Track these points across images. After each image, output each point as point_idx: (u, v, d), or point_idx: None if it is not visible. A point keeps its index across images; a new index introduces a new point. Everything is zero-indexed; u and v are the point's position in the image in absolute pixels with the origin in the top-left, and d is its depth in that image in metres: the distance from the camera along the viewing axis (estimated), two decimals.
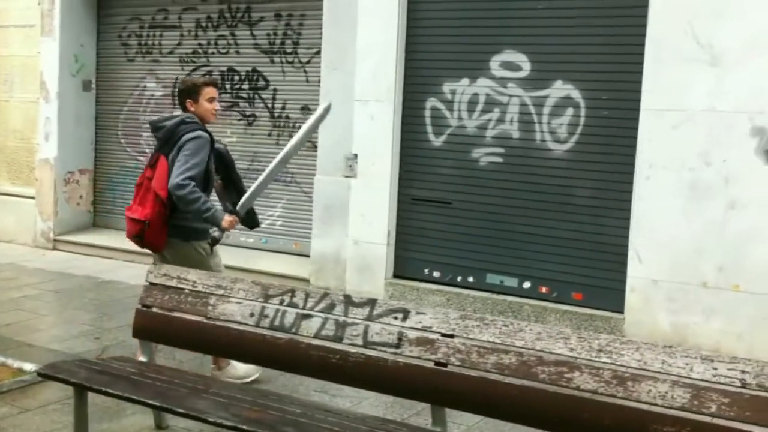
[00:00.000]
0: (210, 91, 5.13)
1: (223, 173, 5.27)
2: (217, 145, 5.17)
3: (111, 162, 10.06)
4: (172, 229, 4.98)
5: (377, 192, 7.36)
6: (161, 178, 4.96)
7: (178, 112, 5.28)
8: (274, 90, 8.76)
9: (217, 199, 5.32)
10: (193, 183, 4.82)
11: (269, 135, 8.81)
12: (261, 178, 5.18)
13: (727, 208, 5.86)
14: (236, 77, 8.98)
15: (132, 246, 8.95)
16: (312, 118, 5.31)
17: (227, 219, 4.93)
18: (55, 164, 9.70)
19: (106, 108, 10.04)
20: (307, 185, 8.33)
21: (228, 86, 9.04)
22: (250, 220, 5.28)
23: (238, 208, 5.05)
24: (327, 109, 5.41)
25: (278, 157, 5.21)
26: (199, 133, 4.97)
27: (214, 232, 4.93)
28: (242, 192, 5.21)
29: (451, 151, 7.18)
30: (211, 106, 5.14)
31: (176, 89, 5.54)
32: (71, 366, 4.20)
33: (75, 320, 6.74)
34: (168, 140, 5.01)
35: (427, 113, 7.29)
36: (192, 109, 5.12)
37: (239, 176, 5.38)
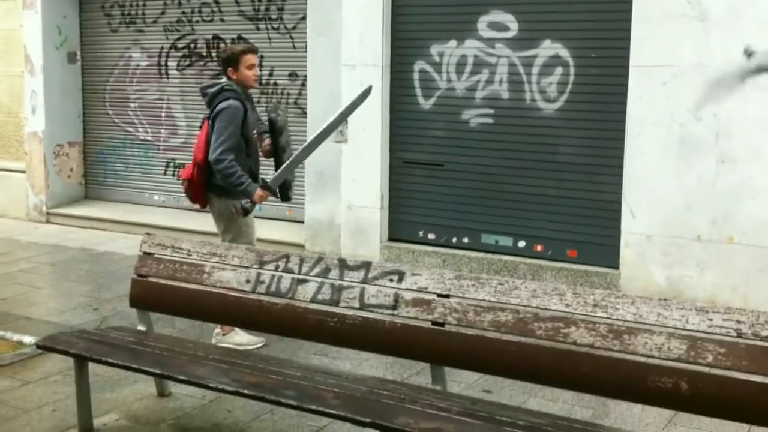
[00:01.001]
0: (249, 58, 5.34)
1: (272, 141, 5.42)
2: (270, 115, 5.35)
3: (100, 134, 10.00)
4: (210, 185, 5.33)
5: (369, 156, 7.35)
6: (200, 141, 5.34)
7: (224, 78, 5.47)
8: (261, 57, 8.66)
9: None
10: (229, 158, 5.14)
11: (257, 102, 8.75)
12: (293, 156, 5.31)
13: (718, 162, 5.88)
14: (222, 45, 8.90)
15: (125, 217, 9.01)
16: (350, 102, 5.44)
17: (258, 193, 5.19)
18: (44, 137, 9.63)
19: (93, 80, 9.96)
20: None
21: (214, 54, 8.96)
22: (283, 194, 5.47)
23: (269, 182, 5.22)
24: (367, 92, 5.51)
25: (310, 138, 5.36)
26: (230, 102, 5.21)
27: (246, 203, 5.18)
28: (281, 164, 5.35)
29: (441, 113, 7.16)
30: (251, 73, 5.35)
31: (219, 59, 5.78)
32: (70, 337, 4.22)
33: (72, 292, 6.75)
34: (209, 106, 5.34)
35: (416, 76, 7.26)
36: (234, 76, 5.33)
37: (285, 147, 5.42)
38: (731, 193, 5.85)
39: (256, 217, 5.55)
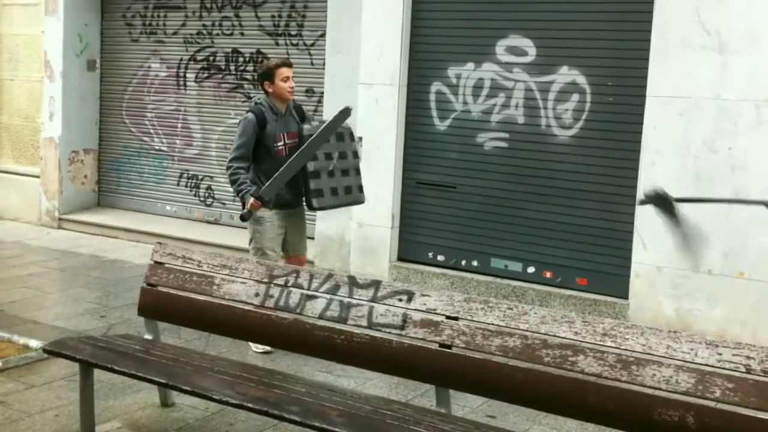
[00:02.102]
0: (283, 72, 5.57)
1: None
2: (304, 125, 5.61)
3: (115, 142, 10.06)
4: None
5: (382, 175, 7.36)
6: None
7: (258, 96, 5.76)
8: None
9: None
10: (235, 165, 5.45)
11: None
12: (280, 170, 5.37)
13: (731, 196, 5.86)
14: (240, 59, 8.96)
15: (136, 226, 9.02)
16: (330, 121, 5.63)
17: (251, 202, 5.33)
18: (60, 143, 9.69)
19: (111, 88, 10.03)
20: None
21: (232, 68, 9.02)
22: (307, 202, 5.60)
23: (261, 191, 5.33)
24: (345, 112, 5.66)
25: (291, 158, 5.43)
26: (246, 115, 5.56)
27: (243, 211, 5.40)
28: (302, 176, 5.52)
29: (456, 135, 7.17)
30: (286, 85, 5.57)
31: (256, 74, 6.10)
32: (77, 343, 4.22)
33: (80, 298, 6.76)
34: None
35: (432, 97, 7.28)
36: (270, 89, 5.59)
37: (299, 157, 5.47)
38: (744, 228, 5.83)
39: None
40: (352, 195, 5.83)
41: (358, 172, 5.87)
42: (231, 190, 8.66)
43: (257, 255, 5.50)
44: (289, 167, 5.38)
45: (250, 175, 5.49)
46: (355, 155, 5.90)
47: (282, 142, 5.55)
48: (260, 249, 5.53)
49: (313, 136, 5.45)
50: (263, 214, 5.47)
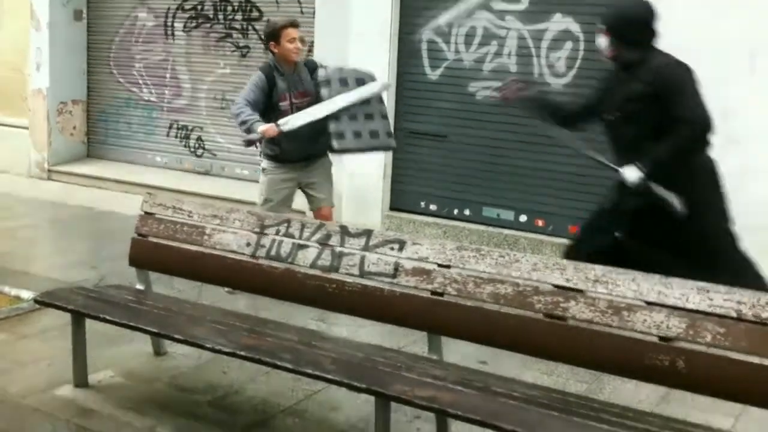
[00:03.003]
0: (289, 33, 5.53)
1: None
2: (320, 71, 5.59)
3: (104, 93, 9.95)
4: None
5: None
6: None
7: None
8: (268, 21, 8.61)
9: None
10: (240, 104, 5.46)
11: None
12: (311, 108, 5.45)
13: (724, 143, 5.83)
14: (229, 8, 8.82)
15: (127, 177, 8.97)
16: (367, 87, 5.57)
17: (268, 127, 5.34)
18: (48, 95, 9.59)
19: (98, 38, 9.88)
20: None
21: (221, 17, 8.88)
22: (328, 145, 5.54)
23: (281, 121, 5.37)
24: (384, 86, 5.72)
25: (327, 102, 5.45)
26: (256, 72, 5.65)
27: (251, 135, 5.41)
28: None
29: (448, 84, 7.11)
30: (292, 46, 5.55)
31: (263, 34, 6.13)
32: (68, 293, 4.22)
33: (72, 250, 6.75)
34: None
35: (424, 46, 7.20)
36: (275, 50, 5.57)
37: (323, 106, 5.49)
38: (735, 176, 5.81)
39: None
40: (379, 140, 5.69)
41: (384, 116, 5.72)
42: (221, 141, 8.61)
43: (261, 204, 5.68)
44: (308, 113, 5.40)
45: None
46: (380, 101, 5.73)
47: (287, 102, 5.56)
48: (262, 198, 5.71)
49: (343, 95, 5.43)
50: (266, 166, 5.67)
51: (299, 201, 5.95)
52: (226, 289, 5.48)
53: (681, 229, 4.48)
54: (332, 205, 5.91)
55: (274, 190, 5.68)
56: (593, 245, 4.66)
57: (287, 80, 5.59)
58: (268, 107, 5.53)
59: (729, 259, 4.58)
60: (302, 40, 5.95)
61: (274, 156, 5.65)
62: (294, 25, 5.60)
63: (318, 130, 5.44)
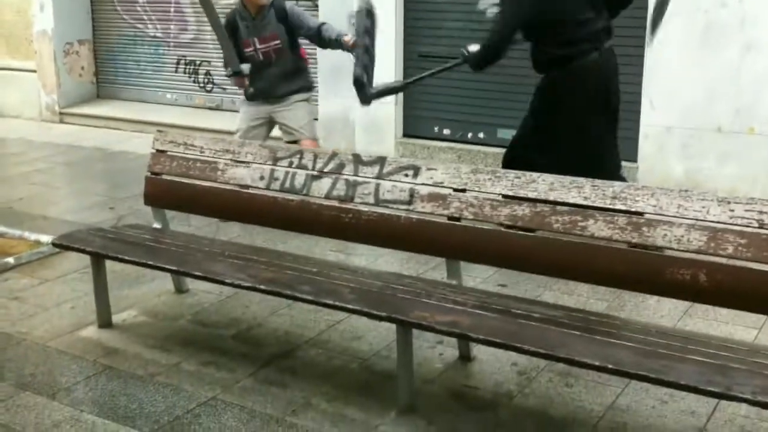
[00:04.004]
0: None
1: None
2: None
3: (110, 31, 9.84)
4: None
5: (383, 49, 7.11)
6: None
7: None
8: None
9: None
10: None
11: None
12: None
13: (742, 50, 5.70)
14: None
15: (138, 116, 8.94)
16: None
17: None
18: (53, 36, 9.50)
19: None
20: (310, 47, 8.13)
21: None
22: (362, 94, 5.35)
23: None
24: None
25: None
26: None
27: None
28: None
29: (458, 3, 6.95)
30: None
31: None
32: (86, 235, 4.22)
33: (88, 191, 6.76)
34: None
35: None
36: None
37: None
38: (755, 82, 5.69)
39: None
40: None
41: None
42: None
43: (235, 132, 5.96)
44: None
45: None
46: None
47: (252, 48, 5.66)
48: (237, 128, 5.95)
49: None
50: (242, 98, 5.98)
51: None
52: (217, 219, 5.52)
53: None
54: (312, 137, 5.92)
55: (246, 120, 5.87)
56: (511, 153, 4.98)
57: (250, 25, 5.63)
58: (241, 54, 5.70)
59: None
60: None
61: (248, 95, 5.84)
62: None
63: (291, 71, 5.72)
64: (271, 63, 5.72)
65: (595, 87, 4.63)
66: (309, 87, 5.97)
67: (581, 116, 4.64)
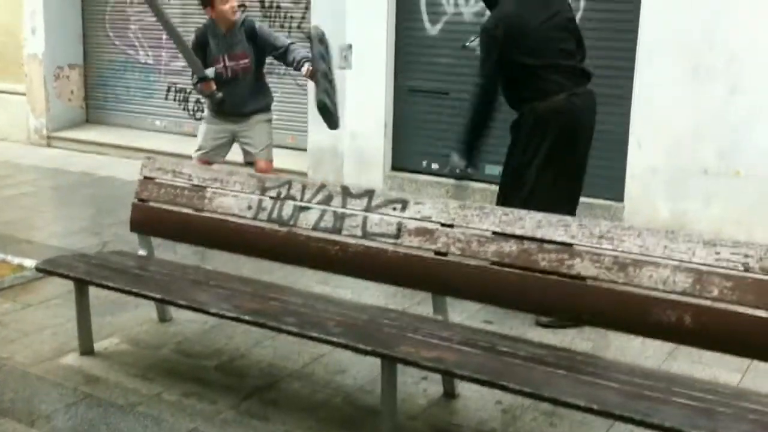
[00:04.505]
0: None
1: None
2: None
3: (100, 56, 9.85)
4: None
5: (373, 83, 7.22)
6: None
7: None
8: None
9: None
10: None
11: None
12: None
13: (729, 92, 5.76)
14: None
15: (126, 142, 8.92)
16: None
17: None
18: (44, 59, 9.50)
19: (93, 0, 9.75)
20: (302, 78, 8.16)
21: None
22: (329, 120, 5.56)
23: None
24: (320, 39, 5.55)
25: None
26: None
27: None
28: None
29: (448, 39, 7.01)
30: (227, 7, 5.58)
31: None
32: (71, 260, 4.20)
33: (73, 216, 6.72)
34: None
35: (423, 0, 7.09)
36: (213, 15, 5.63)
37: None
38: (741, 124, 5.75)
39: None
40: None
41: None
42: None
43: (195, 151, 5.94)
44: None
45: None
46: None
47: (222, 65, 5.68)
48: (197, 145, 5.93)
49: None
50: (205, 115, 5.98)
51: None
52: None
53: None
54: (269, 159, 5.96)
55: (208, 138, 5.88)
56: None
57: (221, 42, 5.67)
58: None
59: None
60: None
61: (214, 109, 5.84)
62: None
63: (256, 89, 5.78)
64: (237, 80, 5.75)
65: (561, 128, 4.62)
66: (270, 105, 6.02)
67: (543, 156, 4.63)
